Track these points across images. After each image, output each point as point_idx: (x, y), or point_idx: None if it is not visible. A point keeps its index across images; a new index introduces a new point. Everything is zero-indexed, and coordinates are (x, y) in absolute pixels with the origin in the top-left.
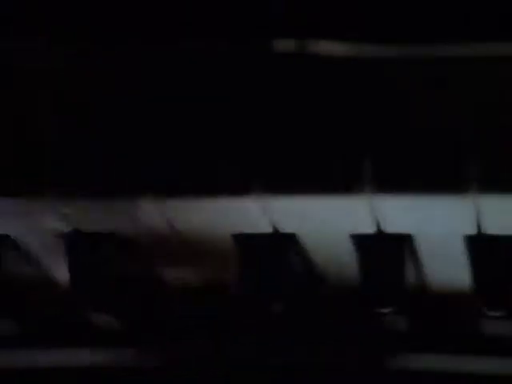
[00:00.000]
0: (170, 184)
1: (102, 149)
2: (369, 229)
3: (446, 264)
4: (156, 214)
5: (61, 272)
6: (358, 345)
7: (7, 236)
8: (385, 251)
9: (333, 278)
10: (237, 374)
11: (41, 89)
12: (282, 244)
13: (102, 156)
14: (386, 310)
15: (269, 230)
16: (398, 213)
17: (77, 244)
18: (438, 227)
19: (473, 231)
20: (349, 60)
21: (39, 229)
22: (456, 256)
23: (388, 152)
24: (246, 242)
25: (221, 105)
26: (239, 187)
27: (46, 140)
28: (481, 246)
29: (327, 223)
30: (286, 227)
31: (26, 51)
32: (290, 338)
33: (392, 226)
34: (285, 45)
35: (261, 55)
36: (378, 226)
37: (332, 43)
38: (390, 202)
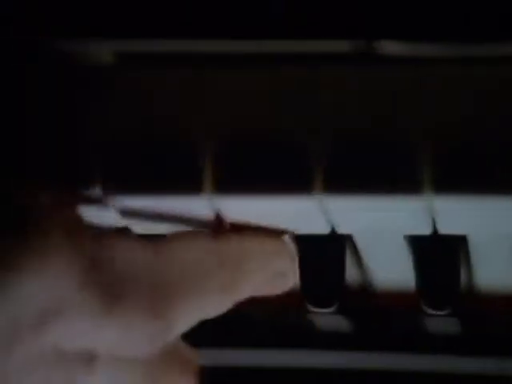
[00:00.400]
0: (225, 182)
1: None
2: (424, 230)
3: (496, 266)
4: (211, 213)
5: None
6: (408, 347)
7: None
8: (440, 253)
9: (385, 279)
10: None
11: None
12: (339, 245)
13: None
14: (440, 313)
15: (326, 230)
16: (454, 214)
17: None
18: (492, 228)
19: None
20: (410, 59)
21: None
22: (507, 257)
23: (447, 152)
24: (304, 242)
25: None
26: (298, 187)
27: None
28: None
29: (383, 224)
30: (343, 228)
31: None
32: (341, 339)
33: (447, 228)
34: (347, 45)
35: (323, 56)
36: (434, 227)
37: (394, 43)
38: (447, 204)
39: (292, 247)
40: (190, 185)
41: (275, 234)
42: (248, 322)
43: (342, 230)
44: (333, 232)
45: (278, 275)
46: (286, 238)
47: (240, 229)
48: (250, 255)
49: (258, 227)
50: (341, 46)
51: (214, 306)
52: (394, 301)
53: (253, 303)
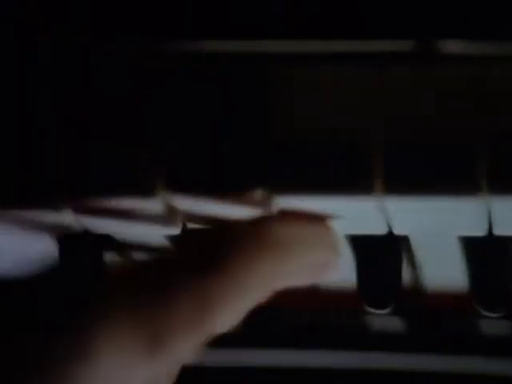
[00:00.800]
0: (286, 182)
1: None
2: (479, 231)
3: None
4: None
5: None
6: (460, 349)
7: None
8: (494, 254)
9: (438, 280)
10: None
11: None
12: (397, 246)
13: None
14: (493, 314)
15: (383, 231)
16: (509, 215)
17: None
18: None
19: None
20: (469, 58)
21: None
22: None
23: (503, 153)
24: (360, 243)
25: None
26: (359, 187)
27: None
28: None
29: (438, 225)
30: (400, 229)
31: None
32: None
33: (501, 229)
34: (405, 45)
35: (381, 56)
36: (490, 228)
37: (452, 42)
38: (503, 204)
39: (336, 238)
40: (246, 184)
41: (321, 222)
42: (301, 323)
43: (398, 231)
44: (390, 233)
45: (319, 266)
46: (332, 228)
47: (285, 215)
48: (292, 243)
49: (304, 214)
50: (401, 45)
51: (254, 294)
52: (446, 302)
53: (307, 303)
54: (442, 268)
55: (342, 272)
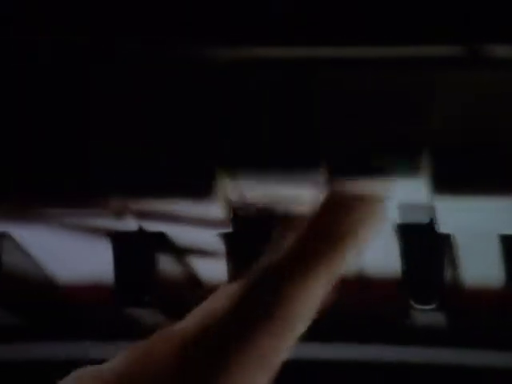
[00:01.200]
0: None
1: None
2: None
3: None
4: None
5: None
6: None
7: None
8: None
9: (476, 276)
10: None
11: None
12: (442, 244)
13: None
14: None
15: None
16: None
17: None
18: None
19: None
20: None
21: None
22: None
23: None
24: (408, 241)
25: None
26: None
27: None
28: None
29: (480, 224)
30: (445, 227)
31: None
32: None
33: None
34: (450, 49)
35: (428, 60)
36: None
37: (501, 46)
38: None
39: (384, 209)
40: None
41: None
42: (347, 318)
43: (443, 229)
44: (437, 231)
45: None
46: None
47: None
48: (346, 233)
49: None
50: (451, 50)
51: (324, 287)
52: (486, 298)
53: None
54: (482, 265)
55: (388, 268)
